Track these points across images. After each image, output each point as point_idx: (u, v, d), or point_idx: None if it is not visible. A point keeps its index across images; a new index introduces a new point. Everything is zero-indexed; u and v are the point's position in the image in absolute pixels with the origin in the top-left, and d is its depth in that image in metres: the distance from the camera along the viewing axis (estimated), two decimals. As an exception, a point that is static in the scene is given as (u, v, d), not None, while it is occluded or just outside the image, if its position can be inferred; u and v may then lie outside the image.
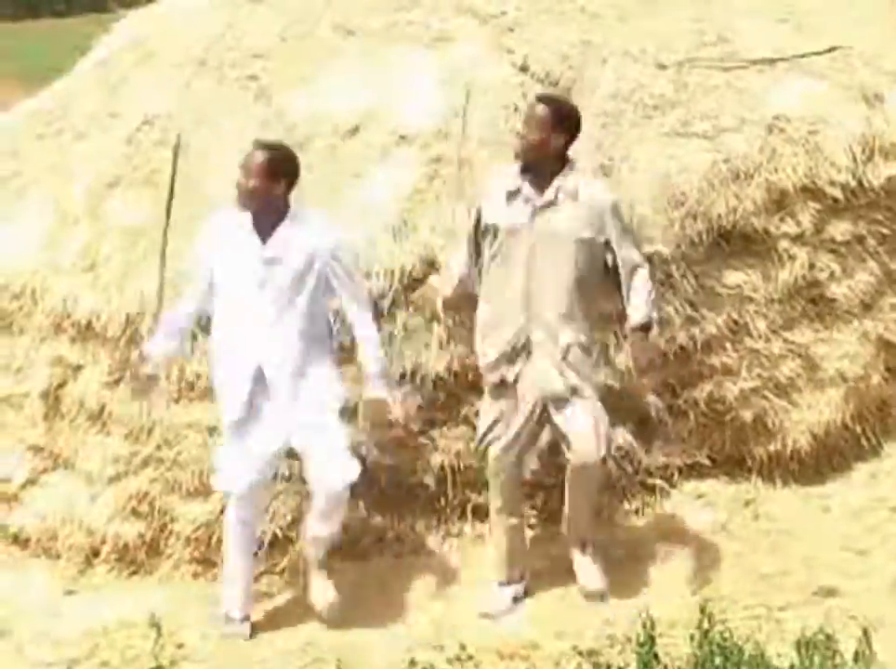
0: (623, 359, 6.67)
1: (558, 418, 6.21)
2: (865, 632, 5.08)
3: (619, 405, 6.74)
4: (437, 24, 7.60)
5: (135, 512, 6.92)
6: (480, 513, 6.81)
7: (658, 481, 6.95)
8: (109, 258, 7.21)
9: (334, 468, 6.20)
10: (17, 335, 7.34)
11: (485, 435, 6.35)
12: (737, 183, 7.02)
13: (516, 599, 6.39)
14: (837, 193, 7.11)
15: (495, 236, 6.22)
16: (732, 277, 7.02)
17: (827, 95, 7.32)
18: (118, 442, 7.01)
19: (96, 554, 6.98)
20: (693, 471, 7.00)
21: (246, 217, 6.23)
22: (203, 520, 6.84)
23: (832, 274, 7.14)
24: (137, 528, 6.92)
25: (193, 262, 6.49)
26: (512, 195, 6.19)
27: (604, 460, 6.29)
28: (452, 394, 6.84)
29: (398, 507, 6.74)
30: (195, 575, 6.85)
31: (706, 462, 7.02)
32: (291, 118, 7.30)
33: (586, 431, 6.16)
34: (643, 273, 6.24)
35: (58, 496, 7.12)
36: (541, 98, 6.33)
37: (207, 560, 6.85)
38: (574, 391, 6.18)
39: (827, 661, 5.04)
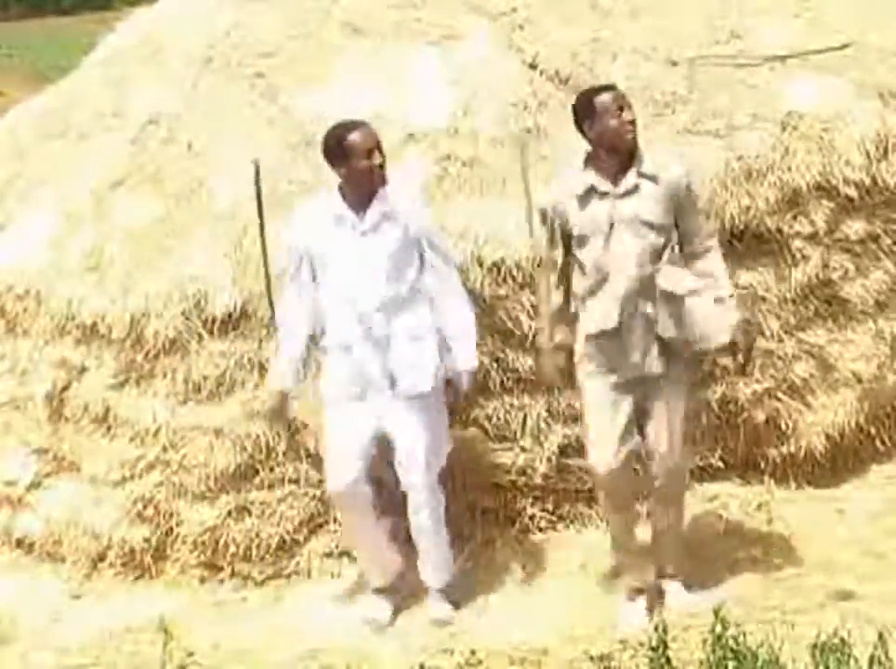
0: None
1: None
2: (881, 636, 5.05)
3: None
4: (446, 22, 7.59)
5: (141, 516, 6.93)
6: (490, 516, 6.82)
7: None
8: (114, 259, 7.21)
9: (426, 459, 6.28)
10: (21, 337, 7.34)
11: None
12: (750, 182, 7.00)
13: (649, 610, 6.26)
14: (852, 192, 7.10)
15: (581, 244, 6.06)
16: (745, 277, 6.99)
17: (841, 92, 7.30)
18: (123, 445, 7.00)
19: (102, 558, 6.99)
20: (706, 474, 6.97)
21: (336, 199, 6.23)
22: (210, 524, 6.84)
23: (846, 273, 7.13)
24: (143, 532, 6.92)
25: (287, 265, 6.45)
26: (585, 194, 6.03)
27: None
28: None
29: (406, 510, 6.73)
30: (202, 580, 6.85)
31: (719, 464, 7.00)
32: (298, 117, 7.29)
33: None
34: (715, 261, 6.11)
35: (63, 500, 7.12)
36: (608, 87, 6.20)
37: (214, 565, 6.86)
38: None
39: (842, 665, 5.01)
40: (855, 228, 7.15)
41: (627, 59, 7.37)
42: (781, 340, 7.02)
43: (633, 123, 6.03)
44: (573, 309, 6.16)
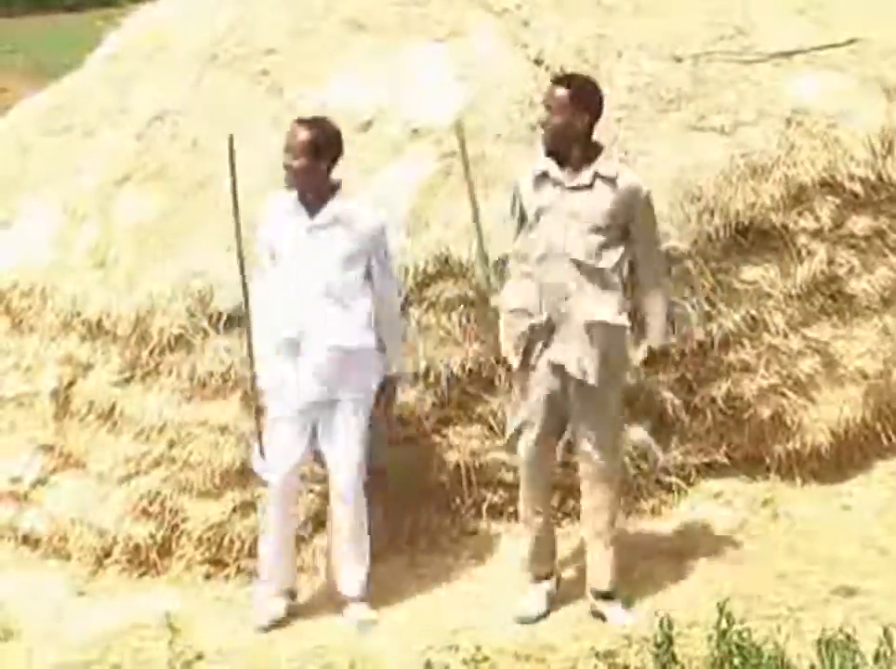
0: (639, 355, 6.60)
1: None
2: (886, 632, 5.06)
3: (635, 402, 6.74)
4: (450, 18, 7.61)
5: (146, 512, 6.92)
6: (495, 512, 6.83)
7: (675, 480, 6.93)
8: (119, 256, 7.23)
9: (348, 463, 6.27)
10: (26, 334, 7.34)
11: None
12: (755, 178, 7.02)
13: (549, 595, 6.34)
14: (857, 188, 7.10)
15: (525, 221, 6.16)
16: (750, 273, 7.02)
17: (846, 88, 7.32)
18: (129, 442, 7.01)
19: (107, 554, 6.98)
20: (711, 470, 6.98)
21: (292, 196, 6.24)
22: (215, 521, 6.84)
23: (851, 269, 7.13)
24: (148, 528, 6.92)
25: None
26: (540, 179, 6.11)
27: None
28: (466, 392, 6.84)
29: (412, 506, 6.74)
30: (207, 576, 6.84)
31: (724, 460, 7.00)
32: (302, 113, 7.17)
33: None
34: (660, 287, 6.19)
35: (68, 496, 7.12)
36: (558, 80, 6.23)
37: (219, 561, 6.85)
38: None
39: (847, 661, 5.02)
40: (860, 224, 7.15)
41: (632, 56, 7.38)
42: (786, 336, 7.02)
43: (557, 127, 6.03)
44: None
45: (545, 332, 6.10)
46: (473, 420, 6.87)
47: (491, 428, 6.85)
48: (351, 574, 6.39)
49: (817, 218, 7.07)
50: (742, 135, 7.11)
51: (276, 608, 6.42)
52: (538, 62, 7.39)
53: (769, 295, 7.02)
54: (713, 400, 6.95)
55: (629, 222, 6.07)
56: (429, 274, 6.84)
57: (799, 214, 7.06)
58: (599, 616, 6.19)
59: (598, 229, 6.02)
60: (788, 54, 7.37)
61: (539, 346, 6.11)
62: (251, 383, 6.49)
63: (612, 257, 6.04)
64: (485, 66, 7.39)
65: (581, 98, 6.06)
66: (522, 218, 6.21)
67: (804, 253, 7.06)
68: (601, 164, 6.05)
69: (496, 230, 6.79)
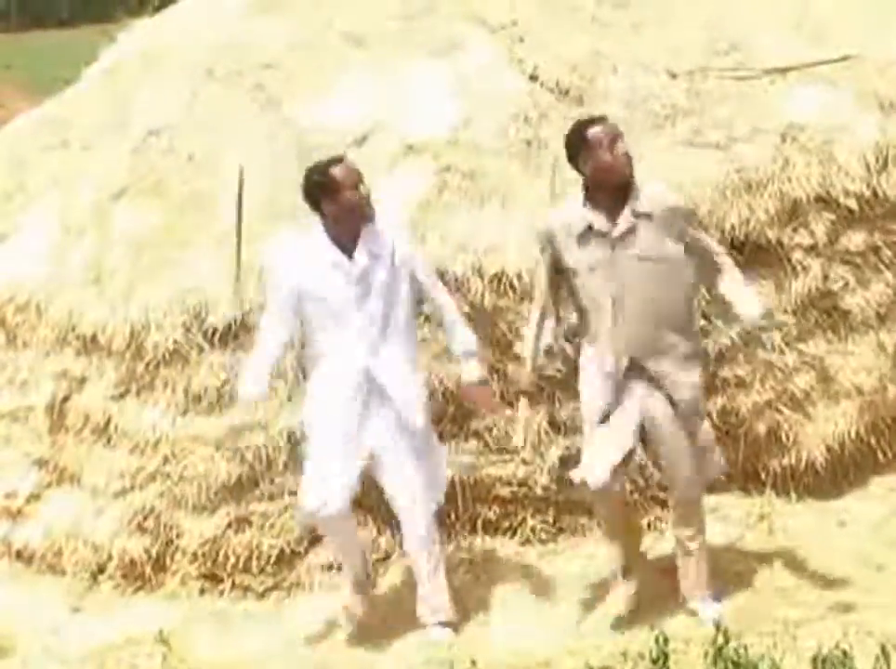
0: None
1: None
2: (883, 648, 5.03)
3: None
4: (447, 34, 7.61)
5: (141, 527, 6.91)
6: (490, 528, 6.82)
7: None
8: (115, 270, 7.22)
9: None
10: (21, 349, 7.33)
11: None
12: (750, 193, 7.00)
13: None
14: (852, 203, 7.09)
15: (575, 276, 6.01)
16: (746, 288, 7.01)
17: (841, 103, 7.30)
18: (124, 456, 6.99)
19: (102, 570, 6.96)
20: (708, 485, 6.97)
21: (321, 235, 6.20)
22: (209, 536, 6.83)
23: (846, 285, 7.11)
24: (143, 543, 6.91)
25: (268, 291, 6.45)
26: (584, 232, 5.96)
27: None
28: (461, 407, 6.80)
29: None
30: (202, 591, 6.83)
31: (720, 476, 6.97)
32: (299, 127, 7.31)
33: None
34: (731, 265, 6.12)
35: (63, 511, 7.11)
36: (600, 119, 6.11)
37: (214, 576, 6.84)
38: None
39: (844, 678, 5.01)
40: (855, 239, 7.13)
41: (628, 72, 7.39)
42: (782, 352, 6.98)
43: (628, 156, 5.97)
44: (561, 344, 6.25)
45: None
46: (468, 435, 6.85)
47: (486, 444, 6.84)
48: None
49: (812, 234, 7.06)
50: (737, 150, 7.09)
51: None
52: (533, 78, 7.40)
53: (763, 311, 7.02)
54: (709, 415, 6.79)
55: (682, 243, 6.01)
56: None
57: (794, 229, 7.05)
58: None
59: (657, 262, 5.95)
60: (783, 70, 7.36)
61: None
62: None
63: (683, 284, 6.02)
64: (481, 81, 7.39)
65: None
66: (556, 270, 6.09)
67: (799, 268, 7.04)
68: (637, 200, 5.96)
69: (492, 246, 6.82)
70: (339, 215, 6.14)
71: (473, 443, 6.84)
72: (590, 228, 5.95)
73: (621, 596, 6.26)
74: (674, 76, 7.35)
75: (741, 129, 7.16)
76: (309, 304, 6.20)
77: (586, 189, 6.01)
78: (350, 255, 6.15)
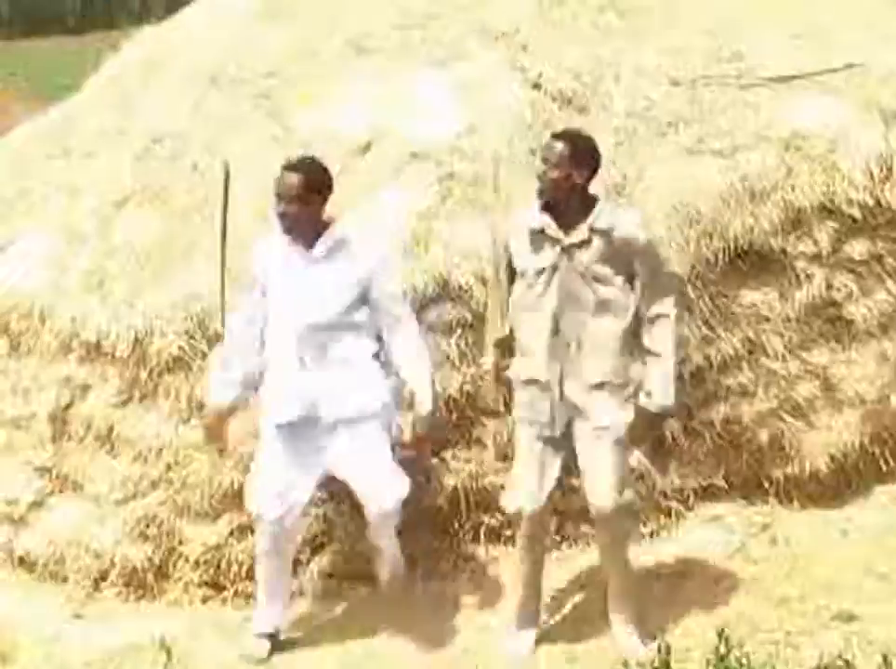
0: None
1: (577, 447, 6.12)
2: (885, 658, 5.04)
3: (633, 426, 6.70)
4: (450, 41, 7.61)
5: (143, 535, 6.89)
6: (494, 536, 6.80)
7: (673, 504, 6.92)
8: (117, 278, 7.20)
9: (382, 486, 6.19)
10: (24, 356, 7.31)
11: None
12: (753, 202, 7.00)
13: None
14: (855, 212, 7.07)
15: (525, 282, 6.06)
16: (749, 297, 7.01)
17: (844, 112, 7.28)
18: (126, 464, 6.98)
19: (104, 577, 6.95)
20: (709, 494, 6.96)
21: (284, 240, 6.21)
22: (212, 543, 6.82)
23: (850, 294, 7.11)
24: (145, 551, 6.89)
25: (239, 292, 6.45)
26: (536, 237, 6.03)
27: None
28: (464, 415, 6.82)
29: (409, 530, 6.70)
30: (205, 599, 6.81)
31: (722, 484, 6.97)
32: (302, 136, 7.30)
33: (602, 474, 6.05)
34: (664, 334, 6.03)
35: (65, 519, 7.09)
36: (557, 135, 6.15)
37: (217, 584, 6.82)
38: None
39: (847, 687, 5.01)
40: (859, 248, 7.12)
41: (630, 79, 7.37)
42: (784, 360, 7.00)
43: (556, 180, 5.94)
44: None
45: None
46: (471, 443, 6.85)
47: (488, 451, 6.83)
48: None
49: (815, 243, 7.05)
50: (740, 158, 7.08)
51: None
52: (536, 86, 7.39)
53: (767, 319, 7.00)
54: (711, 424, 6.93)
55: (632, 272, 6.00)
56: (429, 297, 6.81)
57: (798, 238, 7.04)
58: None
59: (600, 283, 5.97)
60: (786, 78, 7.35)
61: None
62: None
63: (618, 314, 5.99)
64: (484, 89, 7.37)
65: (580, 153, 6.00)
66: (511, 272, 6.14)
67: (802, 277, 7.03)
68: (597, 217, 5.98)
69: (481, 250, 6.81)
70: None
71: (476, 451, 6.83)
72: (543, 231, 5.97)
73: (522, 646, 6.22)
74: (676, 84, 7.33)
75: (744, 138, 7.14)
76: (266, 296, 6.23)
77: (543, 194, 6.03)
78: (310, 248, 6.16)
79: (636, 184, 7.03)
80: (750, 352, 6.97)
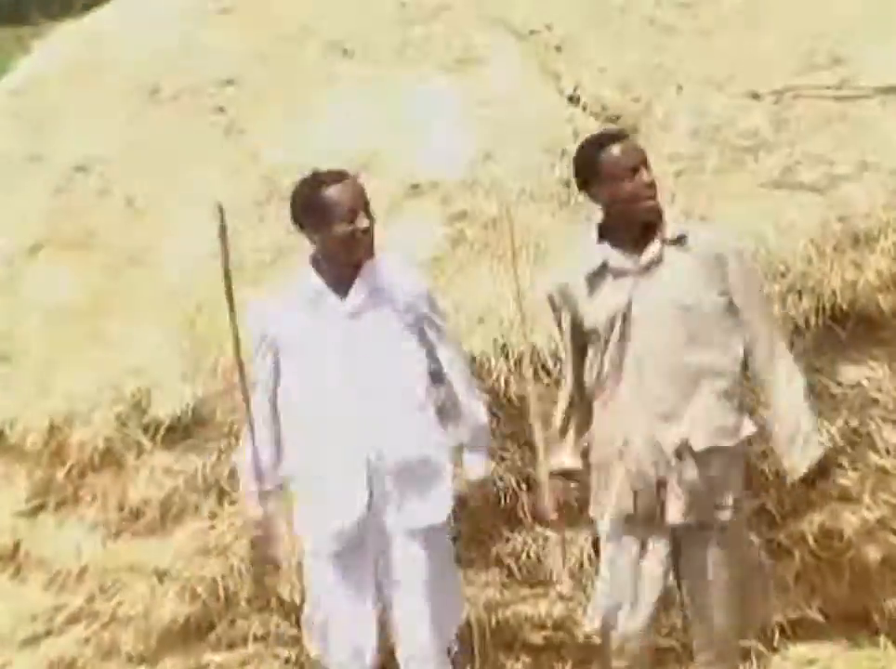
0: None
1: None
2: None
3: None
4: (461, 41, 7.77)
5: (59, 685, 6.90)
6: (520, 686, 6.77)
7: (754, 644, 6.91)
8: (28, 346, 7.24)
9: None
10: None
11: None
12: (857, 249, 7.02)
13: None
14: None
15: (594, 340, 6.03)
16: (851, 372, 7.04)
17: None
18: (36, 592, 7.00)
19: (6, 742, 6.96)
20: (801, 630, 6.99)
21: (310, 274, 6.21)
22: (151, 696, 6.84)
23: (979, 368, 7.10)
24: (62, 707, 6.90)
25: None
26: (597, 277, 5.99)
27: None
28: (480, 526, 6.87)
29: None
30: None
31: (819, 618, 7.00)
32: (270, 163, 7.40)
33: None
34: (787, 371, 6.04)
35: (-43, 666, 7.09)
36: (619, 135, 6.15)
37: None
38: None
39: None
40: None
41: (696, 91, 7.49)
42: (898, 457, 6.99)
43: (652, 186, 5.96)
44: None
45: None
46: (489, 562, 6.89)
47: (511, 574, 6.88)
48: None
49: (937, 302, 7.08)
50: (839, 193, 7.13)
51: None
52: (573, 99, 7.52)
53: (875, 402, 7.02)
54: (803, 539, 6.95)
55: (727, 294, 5.98)
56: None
57: (914, 296, 7.07)
58: None
59: (690, 312, 5.94)
60: (898, 90, 7.43)
61: None
62: None
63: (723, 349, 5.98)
64: (506, 103, 7.49)
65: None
66: (580, 341, 6.11)
67: (921, 347, 7.05)
68: (666, 230, 5.96)
69: (518, 317, 6.82)
70: (328, 248, 6.16)
71: (495, 573, 6.88)
72: (605, 266, 5.97)
73: None
74: (757, 97, 7.43)
75: (844, 166, 7.19)
76: (286, 354, 6.19)
77: (602, 224, 6.04)
78: (343, 295, 6.19)
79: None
80: (853, 445, 7.00)
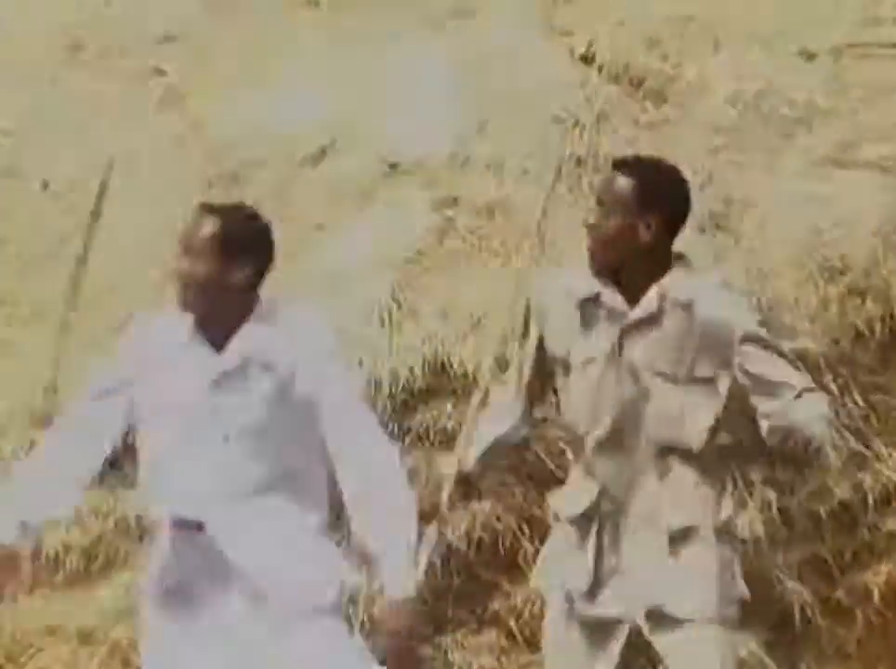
0: (747, 520, 6.60)
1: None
2: None
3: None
4: (449, -8, 7.72)
5: None
6: None
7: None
8: None
9: None
10: None
11: None
12: (931, 241, 6.99)
13: None
14: None
15: (566, 372, 5.88)
16: (922, 391, 6.95)
17: None
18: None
19: None
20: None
21: (187, 321, 6.10)
22: None
23: None
24: None
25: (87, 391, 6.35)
26: (587, 307, 5.85)
27: None
28: (473, 575, 6.91)
29: None
30: None
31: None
32: (217, 135, 7.40)
33: None
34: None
35: None
36: (620, 164, 5.93)
37: None
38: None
39: None
40: None
41: (735, 50, 7.65)
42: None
43: (612, 233, 5.74)
44: None
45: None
46: (485, 623, 6.92)
47: (511, 635, 6.87)
48: None
49: None
50: (910, 173, 7.11)
51: None
52: (586, 59, 7.50)
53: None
54: (867, 594, 6.95)
55: (724, 371, 5.82)
56: (416, 390, 6.84)
57: None
58: None
59: (678, 383, 5.80)
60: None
61: None
62: None
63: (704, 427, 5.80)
64: (503, 65, 7.47)
65: (653, 195, 5.80)
66: (542, 353, 5.95)
67: None
68: (673, 283, 5.77)
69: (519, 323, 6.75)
70: None
71: (492, 634, 6.92)
72: (598, 300, 5.79)
73: None
74: (810, 57, 7.48)
75: (917, 140, 7.16)
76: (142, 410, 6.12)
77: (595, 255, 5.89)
78: (220, 348, 6.07)
79: (743, 213, 7.27)
80: (929, 481, 6.91)
